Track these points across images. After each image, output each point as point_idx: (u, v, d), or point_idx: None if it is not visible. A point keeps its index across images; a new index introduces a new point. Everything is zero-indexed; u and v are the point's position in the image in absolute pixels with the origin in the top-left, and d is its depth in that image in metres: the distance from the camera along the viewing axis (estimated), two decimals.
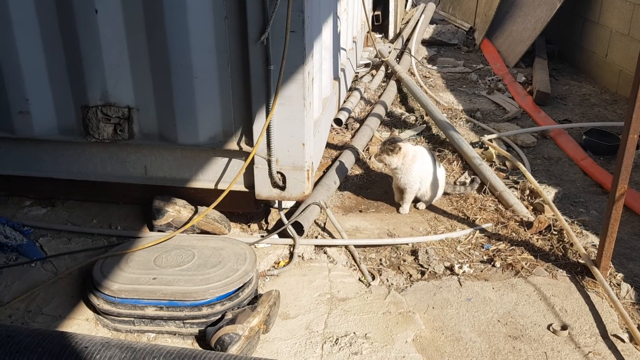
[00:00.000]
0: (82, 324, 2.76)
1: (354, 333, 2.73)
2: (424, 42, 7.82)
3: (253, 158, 2.98)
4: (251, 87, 2.84)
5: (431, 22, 8.47)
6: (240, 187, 3.15)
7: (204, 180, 3.18)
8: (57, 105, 3.08)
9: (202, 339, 2.68)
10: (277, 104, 2.81)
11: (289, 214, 3.50)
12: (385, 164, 3.65)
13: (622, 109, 5.78)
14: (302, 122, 2.85)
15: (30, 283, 2.99)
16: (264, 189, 3.07)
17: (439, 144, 4.82)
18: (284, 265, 3.19)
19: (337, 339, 2.70)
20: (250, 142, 3.01)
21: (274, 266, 3.21)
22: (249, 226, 3.53)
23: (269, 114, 2.79)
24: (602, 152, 4.68)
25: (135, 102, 3.01)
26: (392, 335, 2.73)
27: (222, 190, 3.10)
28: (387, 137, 3.72)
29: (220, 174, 3.14)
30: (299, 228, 3.33)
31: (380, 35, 7.81)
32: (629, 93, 5.93)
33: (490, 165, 4.42)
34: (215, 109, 2.94)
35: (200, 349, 2.61)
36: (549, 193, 3.99)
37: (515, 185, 4.11)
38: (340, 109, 5.14)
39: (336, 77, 4.23)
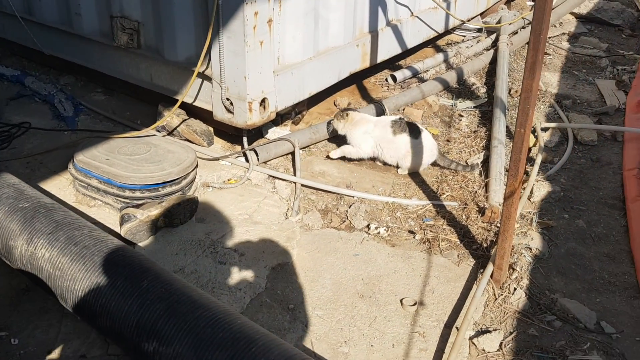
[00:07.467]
0: (62, 181, 3.58)
1: (235, 250, 3.10)
2: (580, 17, 7.02)
3: (212, 81, 3.42)
4: (209, 18, 3.25)
5: None
6: (210, 106, 3.62)
7: (188, 96, 3.72)
8: (98, 11, 3.87)
9: None
10: (225, 37, 3.19)
11: None
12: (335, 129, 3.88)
13: None
14: (243, 56, 3.18)
15: (54, 145, 3.91)
16: (219, 112, 3.51)
17: (489, 121, 4.60)
18: (232, 184, 3.62)
19: (217, 249, 3.09)
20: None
21: (224, 182, 3.66)
22: (234, 146, 4.00)
23: (212, 42, 3.20)
24: None
25: (142, 17, 3.64)
26: (260, 258, 3.03)
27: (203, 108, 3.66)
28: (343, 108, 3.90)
29: (197, 92, 3.64)
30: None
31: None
32: None
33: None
34: (190, 33, 3.43)
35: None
36: (540, 190, 3.66)
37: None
38: (406, 67, 5.16)
39: (372, 30, 4.31)
